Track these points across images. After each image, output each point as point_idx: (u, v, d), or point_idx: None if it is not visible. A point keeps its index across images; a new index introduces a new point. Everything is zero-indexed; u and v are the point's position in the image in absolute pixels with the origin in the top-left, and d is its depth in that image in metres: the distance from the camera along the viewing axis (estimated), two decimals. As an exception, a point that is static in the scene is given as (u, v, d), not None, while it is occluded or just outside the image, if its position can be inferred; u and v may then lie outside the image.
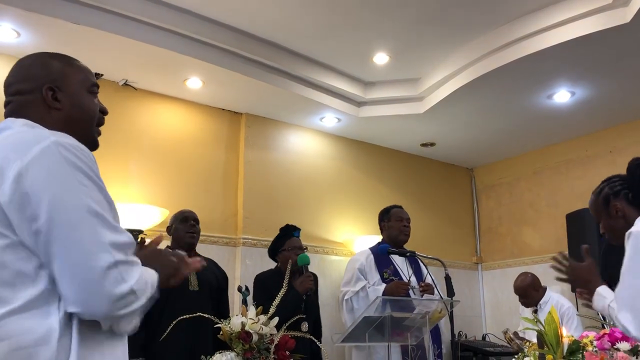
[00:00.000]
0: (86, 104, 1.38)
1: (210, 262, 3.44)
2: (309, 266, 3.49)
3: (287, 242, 3.64)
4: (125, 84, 4.30)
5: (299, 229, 3.76)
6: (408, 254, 3.58)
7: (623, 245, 1.92)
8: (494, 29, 4.08)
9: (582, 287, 2.13)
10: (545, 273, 5.51)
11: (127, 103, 4.32)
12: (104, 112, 1.44)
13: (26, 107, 1.32)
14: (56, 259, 1.08)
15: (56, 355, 1.06)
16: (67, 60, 1.40)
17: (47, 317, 1.08)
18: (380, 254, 3.75)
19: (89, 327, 1.12)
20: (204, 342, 3.01)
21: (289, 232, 3.72)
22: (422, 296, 3.57)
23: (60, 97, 1.33)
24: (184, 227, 3.35)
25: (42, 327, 1.07)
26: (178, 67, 4.11)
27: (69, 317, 1.10)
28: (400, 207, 4.04)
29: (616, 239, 2.05)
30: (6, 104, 1.36)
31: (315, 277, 3.82)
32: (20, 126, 1.25)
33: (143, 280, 1.15)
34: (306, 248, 3.71)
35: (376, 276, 3.75)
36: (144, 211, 3.94)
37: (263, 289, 3.39)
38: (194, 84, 4.35)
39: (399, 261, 3.83)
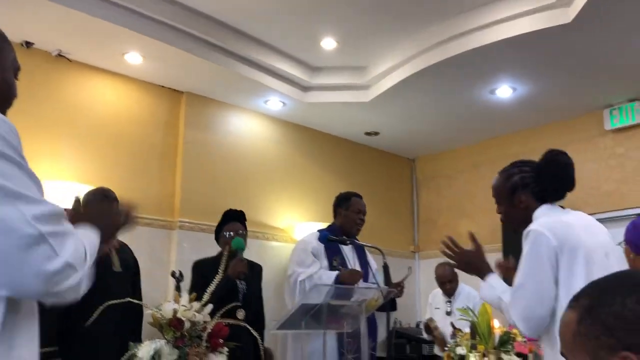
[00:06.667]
0: (13, 84, 1.30)
1: (125, 245, 3.31)
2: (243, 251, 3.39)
3: (224, 227, 3.57)
4: (59, 55, 4.05)
5: (239, 213, 3.67)
6: (348, 242, 3.55)
7: (520, 232, 1.96)
8: (442, 21, 4.09)
9: (472, 273, 2.10)
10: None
11: (61, 75, 4.07)
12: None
13: None
14: None
15: None
16: (2, 35, 1.31)
17: None
18: (326, 241, 3.67)
19: (10, 309, 1.03)
20: (131, 326, 2.92)
21: (227, 217, 3.64)
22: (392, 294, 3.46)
23: None
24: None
25: None
26: (116, 40, 3.91)
27: None
28: (360, 197, 3.87)
29: (514, 226, 2.07)
30: None
31: (259, 268, 3.75)
32: None
33: (80, 249, 1.08)
34: (244, 233, 3.60)
35: (324, 262, 3.61)
36: (75, 189, 3.74)
37: (199, 275, 3.32)
38: (134, 59, 4.16)
39: (347, 249, 3.74)
